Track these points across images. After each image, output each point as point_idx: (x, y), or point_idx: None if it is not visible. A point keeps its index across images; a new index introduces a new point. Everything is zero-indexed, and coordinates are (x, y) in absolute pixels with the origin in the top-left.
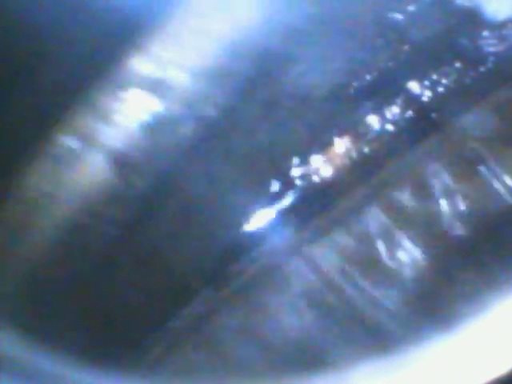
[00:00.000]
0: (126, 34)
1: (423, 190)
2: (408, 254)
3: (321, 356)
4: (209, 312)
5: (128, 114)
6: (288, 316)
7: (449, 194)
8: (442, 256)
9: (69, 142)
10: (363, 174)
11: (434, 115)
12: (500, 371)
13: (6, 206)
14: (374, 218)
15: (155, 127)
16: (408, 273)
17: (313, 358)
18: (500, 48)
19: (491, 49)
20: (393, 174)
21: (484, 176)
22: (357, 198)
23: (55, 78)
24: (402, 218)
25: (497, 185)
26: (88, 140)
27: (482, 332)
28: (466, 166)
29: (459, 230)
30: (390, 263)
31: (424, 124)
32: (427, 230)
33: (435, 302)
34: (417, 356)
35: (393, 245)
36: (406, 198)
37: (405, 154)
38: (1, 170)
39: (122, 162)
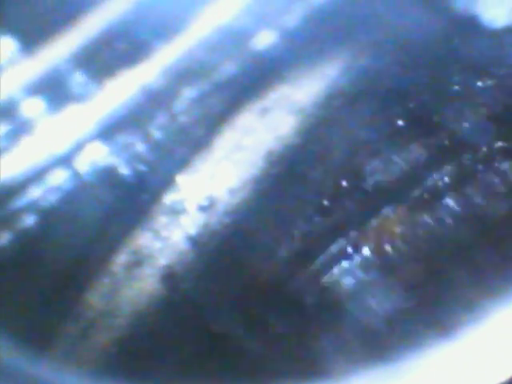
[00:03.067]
0: None
1: None
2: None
3: (318, 365)
4: None
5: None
6: None
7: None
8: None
9: (123, 258)
10: None
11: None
12: (499, 379)
13: (65, 323)
14: None
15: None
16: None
17: (310, 366)
18: (498, 55)
19: (489, 56)
20: None
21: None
22: None
23: None
24: None
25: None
26: (139, 255)
27: (482, 340)
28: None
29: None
30: None
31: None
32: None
33: (434, 309)
34: (415, 364)
35: None
36: None
37: None
38: (61, 287)
39: (170, 274)
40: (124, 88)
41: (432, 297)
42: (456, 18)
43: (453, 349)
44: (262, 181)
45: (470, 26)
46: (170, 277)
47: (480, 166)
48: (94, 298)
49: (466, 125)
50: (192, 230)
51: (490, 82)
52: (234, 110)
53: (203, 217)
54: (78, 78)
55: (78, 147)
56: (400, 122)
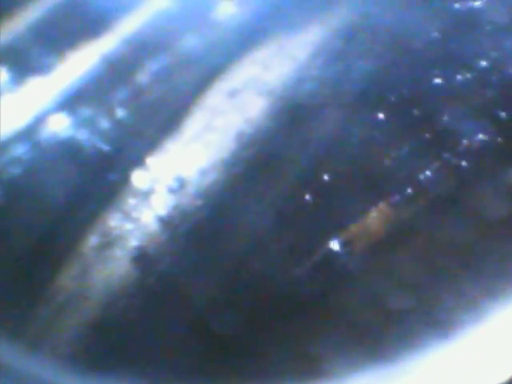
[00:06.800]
0: None
1: None
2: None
3: (317, 365)
4: None
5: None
6: None
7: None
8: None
9: (93, 240)
10: None
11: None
12: (499, 380)
13: (36, 305)
14: None
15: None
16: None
17: (309, 366)
18: (497, 54)
19: (488, 55)
20: None
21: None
22: None
23: None
24: None
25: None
26: (109, 237)
27: (481, 340)
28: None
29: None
30: None
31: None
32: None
33: (433, 310)
34: (415, 364)
35: None
36: None
37: None
38: (30, 268)
39: (141, 256)
40: (85, 59)
41: (432, 297)
42: (456, 16)
43: (453, 349)
44: (233, 163)
45: (469, 24)
46: (141, 258)
47: (464, 159)
48: (65, 280)
49: (449, 118)
50: (163, 212)
51: (472, 75)
52: (202, 89)
53: (174, 198)
54: (38, 50)
55: (40, 119)
56: (381, 115)
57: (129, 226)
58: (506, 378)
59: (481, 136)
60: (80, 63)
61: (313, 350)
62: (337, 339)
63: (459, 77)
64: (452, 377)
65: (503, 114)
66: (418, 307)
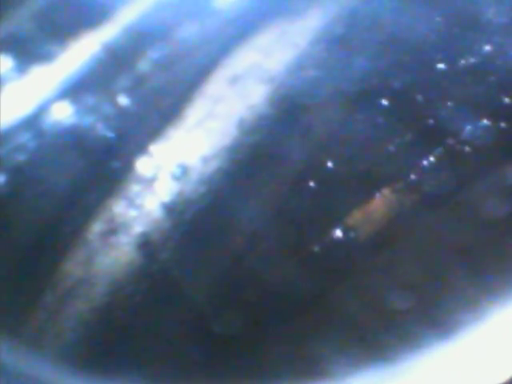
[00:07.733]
0: None
1: None
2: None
3: (317, 365)
4: None
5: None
6: None
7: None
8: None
9: (98, 227)
10: None
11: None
12: (499, 380)
13: (42, 292)
14: None
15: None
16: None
17: (309, 366)
18: (498, 54)
19: (489, 55)
20: None
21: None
22: None
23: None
24: None
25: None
26: (114, 223)
27: (481, 340)
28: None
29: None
30: None
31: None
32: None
33: (433, 310)
34: (415, 364)
35: None
36: None
37: None
38: (36, 255)
39: (146, 242)
40: (87, 48)
41: (432, 297)
42: (456, 15)
43: (453, 349)
44: (235, 150)
45: (470, 23)
46: (146, 245)
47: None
48: (70, 266)
49: (451, 106)
50: (166, 198)
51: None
52: (203, 76)
53: (177, 185)
54: (40, 39)
55: (43, 107)
56: (383, 102)
57: (133, 212)
58: (506, 377)
59: (483, 124)
60: (82, 52)
61: (313, 350)
62: (337, 339)
63: (462, 63)
64: (452, 377)
65: (505, 103)
66: (418, 307)
